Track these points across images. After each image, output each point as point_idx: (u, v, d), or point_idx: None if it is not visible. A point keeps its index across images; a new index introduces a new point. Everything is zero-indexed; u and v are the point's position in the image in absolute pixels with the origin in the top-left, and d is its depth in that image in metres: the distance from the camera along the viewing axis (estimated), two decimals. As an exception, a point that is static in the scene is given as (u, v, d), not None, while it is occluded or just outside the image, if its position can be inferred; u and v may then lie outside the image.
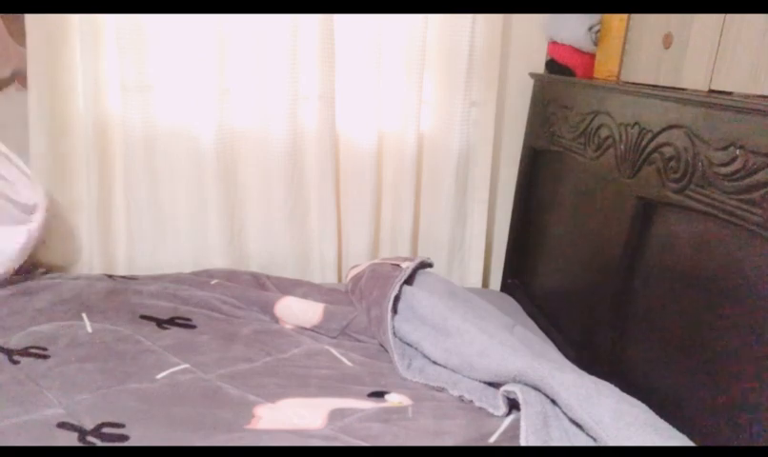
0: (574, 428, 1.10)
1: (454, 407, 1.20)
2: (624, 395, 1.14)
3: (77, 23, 1.62)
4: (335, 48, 1.74)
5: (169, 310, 1.54)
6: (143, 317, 1.50)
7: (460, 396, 1.24)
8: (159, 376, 1.26)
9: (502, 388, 1.19)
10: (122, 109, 1.70)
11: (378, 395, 1.22)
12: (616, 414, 1.06)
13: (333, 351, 1.42)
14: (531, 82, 1.92)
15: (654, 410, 1.23)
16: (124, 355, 1.33)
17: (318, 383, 1.26)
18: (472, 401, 1.22)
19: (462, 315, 1.40)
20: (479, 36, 1.80)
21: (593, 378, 1.18)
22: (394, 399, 1.21)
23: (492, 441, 1.09)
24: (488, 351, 1.26)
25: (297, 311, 1.55)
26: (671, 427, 1.07)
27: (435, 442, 1.08)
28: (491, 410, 1.19)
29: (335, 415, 1.14)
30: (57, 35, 1.62)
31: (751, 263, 1.03)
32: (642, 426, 1.03)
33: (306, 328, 1.53)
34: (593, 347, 1.48)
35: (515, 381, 1.19)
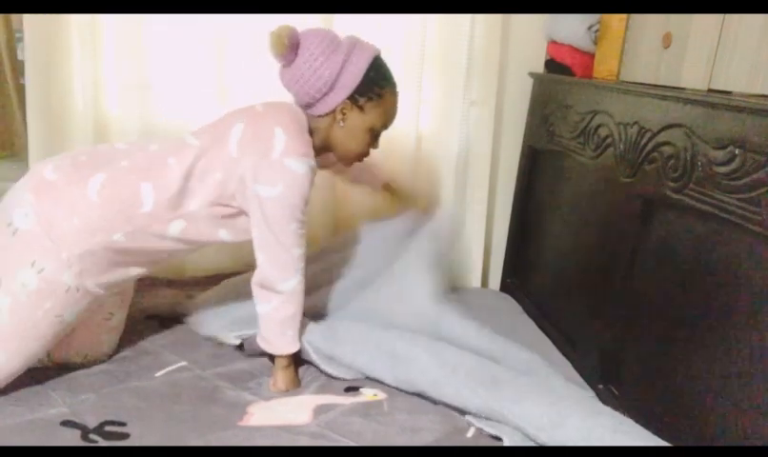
0: None
1: (424, 401, 1.26)
2: (589, 410, 1.17)
3: (75, 23, 1.62)
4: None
5: (175, 307, 1.58)
6: (148, 317, 1.54)
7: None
8: (158, 374, 1.29)
9: (488, 429, 1.17)
10: (121, 109, 1.70)
11: (353, 389, 1.29)
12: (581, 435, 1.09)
13: None
14: (530, 81, 1.92)
15: (655, 409, 1.24)
16: (125, 357, 1.35)
17: (303, 382, 1.31)
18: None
19: (410, 339, 1.34)
20: (479, 36, 1.80)
21: (551, 399, 1.18)
22: (368, 392, 1.28)
23: (469, 435, 1.16)
24: (441, 383, 1.24)
25: None
26: (640, 430, 1.13)
27: (415, 438, 1.14)
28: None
29: (320, 410, 1.21)
30: (56, 35, 1.62)
31: (750, 261, 1.03)
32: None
33: None
34: (592, 345, 1.49)
35: (475, 415, 1.20)
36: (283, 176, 1.17)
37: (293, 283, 1.24)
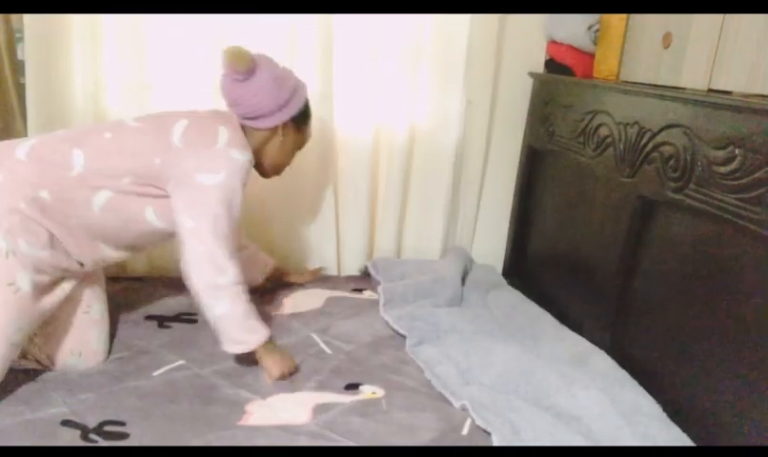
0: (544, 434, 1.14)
1: (422, 396, 1.27)
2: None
3: (76, 23, 1.62)
4: (333, 47, 1.75)
5: (175, 307, 1.58)
6: (148, 318, 1.53)
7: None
8: (156, 373, 1.29)
9: (479, 422, 1.18)
10: (121, 109, 1.70)
11: (353, 387, 1.29)
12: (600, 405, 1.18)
13: (316, 338, 1.49)
14: (530, 81, 1.92)
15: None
16: (122, 358, 1.35)
17: (302, 376, 1.32)
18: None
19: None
20: (477, 36, 1.81)
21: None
22: (367, 390, 1.29)
23: (465, 433, 1.16)
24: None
25: (300, 301, 1.68)
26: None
27: (414, 437, 1.14)
28: (447, 395, 1.27)
29: (319, 409, 1.21)
30: (56, 35, 1.62)
31: (750, 260, 1.04)
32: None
33: (301, 313, 1.62)
34: (593, 345, 1.49)
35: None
36: (226, 164, 1.24)
37: (236, 270, 1.26)
